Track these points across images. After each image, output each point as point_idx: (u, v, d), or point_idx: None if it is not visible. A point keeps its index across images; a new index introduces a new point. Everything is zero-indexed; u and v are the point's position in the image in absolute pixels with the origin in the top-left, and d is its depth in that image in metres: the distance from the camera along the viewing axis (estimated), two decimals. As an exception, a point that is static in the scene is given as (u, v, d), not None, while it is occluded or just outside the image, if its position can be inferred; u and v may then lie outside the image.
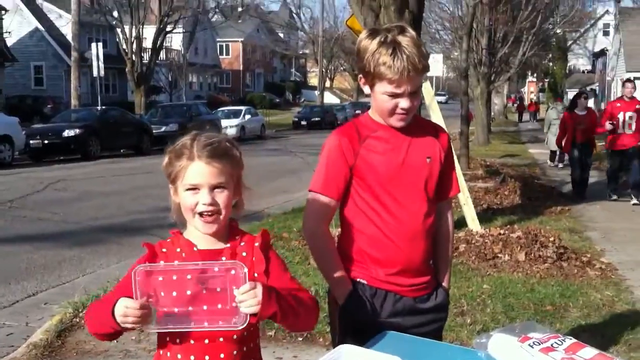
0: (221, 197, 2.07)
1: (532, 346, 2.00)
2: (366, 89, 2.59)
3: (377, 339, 2.31)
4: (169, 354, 2.08)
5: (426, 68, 2.49)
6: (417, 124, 2.64)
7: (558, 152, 17.80)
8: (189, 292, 1.95)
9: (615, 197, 12.07)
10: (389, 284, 2.61)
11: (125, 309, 1.85)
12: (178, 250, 2.09)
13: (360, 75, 2.59)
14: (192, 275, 1.94)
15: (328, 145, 2.61)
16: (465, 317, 5.56)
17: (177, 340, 2.05)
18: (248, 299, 1.88)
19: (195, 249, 2.09)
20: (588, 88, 53.25)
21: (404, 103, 2.49)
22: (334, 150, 2.58)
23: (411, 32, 2.49)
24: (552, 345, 2.01)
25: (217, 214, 2.07)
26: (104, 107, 25.89)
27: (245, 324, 1.93)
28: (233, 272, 1.92)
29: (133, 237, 8.82)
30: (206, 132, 2.16)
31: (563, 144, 12.93)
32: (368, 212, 2.59)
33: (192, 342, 2.04)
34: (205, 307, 1.94)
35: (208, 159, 2.05)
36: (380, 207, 2.58)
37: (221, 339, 2.04)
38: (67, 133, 21.66)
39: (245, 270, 1.91)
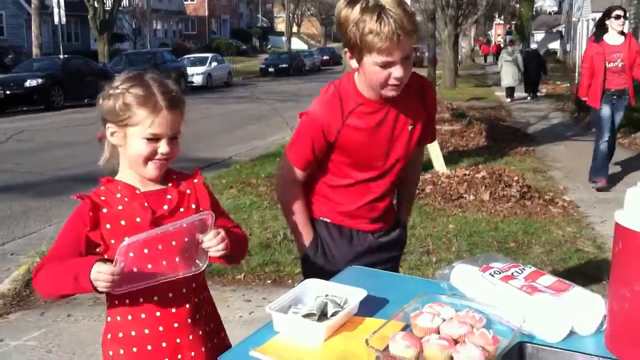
0: (175, 145, 2.06)
1: (493, 275, 2.04)
2: (353, 63, 2.40)
3: (341, 275, 2.34)
4: (119, 317, 2.08)
5: (415, 29, 2.30)
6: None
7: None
8: (160, 247, 1.98)
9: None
10: (352, 219, 2.63)
11: (98, 274, 1.82)
12: (119, 196, 2.04)
13: (346, 49, 2.39)
14: (170, 235, 1.97)
15: (309, 118, 2.50)
16: (430, 255, 5.66)
17: (127, 301, 2.04)
18: (216, 244, 1.96)
19: (137, 191, 2.06)
20: (554, 30, 53.34)
21: (397, 72, 2.31)
22: (314, 127, 2.47)
23: None
24: (512, 273, 2.05)
25: (169, 160, 2.07)
26: (66, 56, 25.30)
27: (205, 265, 2.00)
28: (207, 221, 1.96)
29: (100, 186, 8.71)
30: (155, 75, 2.09)
31: (587, 96, 8.11)
32: (338, 179, 2.58)
33: (141, 299, 2.04)
34: (175, 259, 2.00)
35: (171, 109, 2.01)
36: (355, 177, 2.57)
37: (170, 294, 2.07)
38: (29, 83, 21.22)
39: (213, 217, 1.96)
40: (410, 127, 2.55)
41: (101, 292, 1.87)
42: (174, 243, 2.00)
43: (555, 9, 58.85)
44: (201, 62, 33.21)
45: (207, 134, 14.03)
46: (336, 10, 2.39)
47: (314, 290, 2.05)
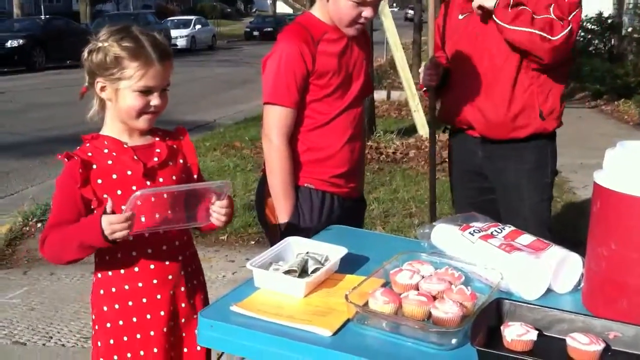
0: (165, 97, 2.07)
1: (472, 234, 2.05)
2: None
3: (323, 233, 2.35)
4: (110, 273, 2.08)
5: None
6: None
7: None
8: (166, 196, 2.00)
9: None
10: (334, 187, 2.66)
11: (110, 226, 1.83)
12: (106, 151, 2.04)
13: None
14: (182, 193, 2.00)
15: (284, 51, 2.50)
16: (413, 218, 5.70)
17: (119, 256, 2.05)
18: (224, 213, 2.03)
19: (125, 146, 2.06)
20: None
21: (368, 12, 2.45)
22: (292, 57, 2.47)
23: None
24: (492, 233, 2.07)
25: (160, 112, 2.07)
26: (47, 17, 24.96)
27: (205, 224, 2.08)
28: (225, 189, 2.01)
29: (82, 147, 8.66)
30: (141, 28, 2.08)
31: None
32: (317, 116, 2.59)
33: (134, 253, 2.06)
34: (181, 212, 2.02)
35: (163, 61, 2.01)
36: (331, 109, 2.58)
37: (164, 247, 2.10)
38: (10, 44, 20.88)
39: (230, 187, 2.02)
40: (364, 62, 2.67)
41: (115, 243, 1.88)
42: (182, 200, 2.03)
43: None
44: (185, 24, 32.82)
45: (190, 97, 13.92)
46: None
47: (295, 247, 2.06)
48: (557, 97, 2.98)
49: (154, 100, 2.03)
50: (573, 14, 2.80)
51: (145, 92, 2.00)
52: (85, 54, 2.03)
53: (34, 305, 4.33)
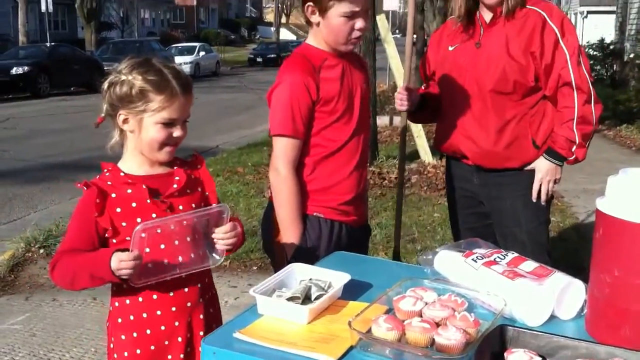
0: (185, 128, 2.11)
1: (475, 260, 2.05)
2: (315, 18, 2.52)
3: (326, 259, 2.35)
4: (128, 301, 2.08)
5: None
6: (348, 52, 2.66)
7: None
8: (176, 242, 2.01)
9: None
10: (343, 215, 2.66)
11: (120, 263, 1.84)
12: (125, 180, 2.05)
13: (310, 4, 2.50)
14: (185, 224, 2.01)
15: (289, 83, 2.51)
16: (416, 244, 5.70)
17: (140, 299, 2.06)
18: (230, 238, 2.02)
19: (144, 174, 2.09)
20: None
21: (360, 23, 2.49)
22: (297, 88, 2.50)
23: None
24: (495, 259, 2.07)
25: (180, 143, 2.11)
26: (53, 44, 25.14)
27: (222, 259, 2.08)
28: (223, 215, 2.01)
29: (86, 173, 8.49)
30: (161, 59, 2.12)
31: None
32: (328, 144, 2.60)
33: (154, 297, 2.06)
34: (188, 253, 2.04)
35: (186, 93, 2.05)
36: (341, 136, 2.60)
37: (186, 290, 2.11)
38: (16, 70, 21.06)
39: (229, 211, 2.02)
40: (364, 85, 2.69)
41: (123, 281, 1.89)
42: (188, 239, 2.04)
43: (544, 2, 58.89)
44: (189, 51, 33.06)
45: (195, 122, 13.64)
46: None
47: (298, 274, 2.06)
48: (550, 126, 3.00)
49: (176, 132, 2.06)
50: (585, 67, 2.90)
51: (168, 124, 2.03)
52: (106, 85, 2.05)
53: (35, 331, 4.32)
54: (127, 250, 1.86)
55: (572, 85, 2.87)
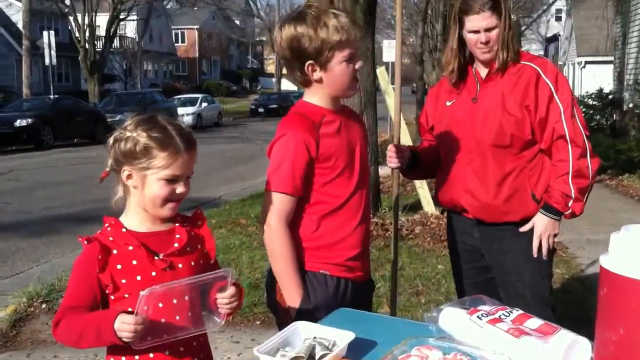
0: (188, 184, 2.13)
1: (480, 318, 2.05)
2: (316, 75, 2.51)
3: (330, 317, 2.34)
4: (124, 359, 2.06)
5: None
6: (344, 108, 2.70)
7: None
8: (175, 301, 2.00)
9: None
10: (348, 271, 2.65)
11: (122, 325, 1.84)
12: (127, 236, 2.06)
13: (309, 62, 2.49)
14: (188, 287, 2.00)
15: (288, 139, 2.50)
16: (420, 297, 5.66)
17: (136, 357, 2.05)
18: (232, 302, 2.02)
19: (146, 231, 2.09)
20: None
21: (359, 63, 2.53)
22: (297, 146, 2.49)
23: None
24: (500, 316, 2.06)
25: (182, 199, 2.12)
26: (56, 96, 25.37)
27: (222, 322, 2.07)
28: (227, 279, 2.01)
29: (88, 226, 8.56)
30: (166, 117, 2.14)
31: None
32: (331, 200, 2.59)
33: (151, 355, 2.05)
34: (188, 314, 2.03)
35: (190, 150, 2.07)
36: (344, 191, 2.60)
37: (182, 349, 2.10)
38: (19, 123, 21.25)
39: (232, 275, 2.02)
40: (362, 142, 2.70)
41: (125, 344, 1.88)
42: (186, 298, 2.02)
43: (542, 52, 59.70)
44: (191, 102, 33.39)
45: (197, 173, 13.52)
46: (281, 35, 2.50)
47: (302, 332, 2.05)
48: (549, 179, 3.02)
49: (180, 188, 2.08)
50: (579, 121, 2.96)
51: (172, 180, 2.05)
52: (111, 141, 2.07)
53: (37, 388, 4.27)
54: (132, 312, 1.86)
55: (566, 138, 2.92)
